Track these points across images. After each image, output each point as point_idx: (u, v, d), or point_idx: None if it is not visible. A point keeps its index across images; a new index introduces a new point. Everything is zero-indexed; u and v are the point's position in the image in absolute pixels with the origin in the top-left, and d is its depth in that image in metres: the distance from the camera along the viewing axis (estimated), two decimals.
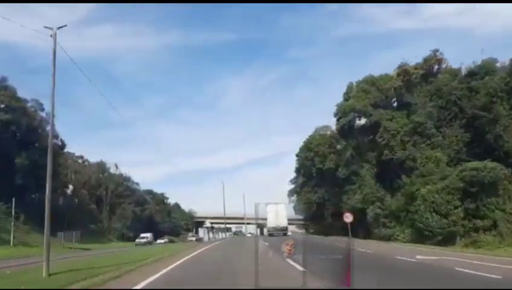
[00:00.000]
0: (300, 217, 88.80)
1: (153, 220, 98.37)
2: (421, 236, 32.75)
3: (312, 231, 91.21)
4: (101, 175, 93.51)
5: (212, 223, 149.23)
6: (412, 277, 13.45)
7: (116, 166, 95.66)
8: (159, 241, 72.16)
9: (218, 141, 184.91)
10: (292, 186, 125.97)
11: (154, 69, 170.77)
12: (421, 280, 12.62)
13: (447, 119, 40.77)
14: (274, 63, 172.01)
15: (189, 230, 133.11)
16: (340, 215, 58.39)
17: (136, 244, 65.38)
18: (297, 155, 67.36)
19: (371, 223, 45.99)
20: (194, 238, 72.51)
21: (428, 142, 39.92)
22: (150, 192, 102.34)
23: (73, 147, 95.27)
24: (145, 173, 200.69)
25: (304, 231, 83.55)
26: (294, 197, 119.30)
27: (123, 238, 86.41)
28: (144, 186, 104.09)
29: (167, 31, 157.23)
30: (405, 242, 34.73)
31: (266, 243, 21.81)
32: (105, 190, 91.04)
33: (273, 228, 51.97)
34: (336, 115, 51.62)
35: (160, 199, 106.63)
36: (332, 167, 57.49)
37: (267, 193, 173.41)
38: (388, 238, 38.04)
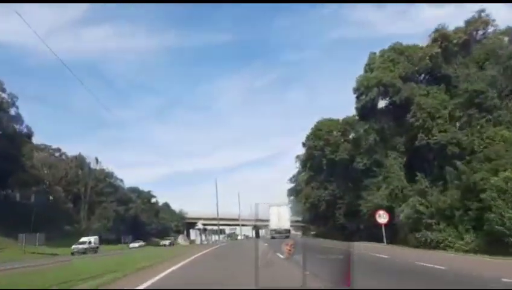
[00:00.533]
0: (298, 218, 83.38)
1: (138, 220, 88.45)
2: (492, 243, 23.11)
3: (314, 233, 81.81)
4: (80, 171, 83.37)
5: (204, 224, 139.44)
6: None
7: (97, 160, 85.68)
8: (132, 245, 61.64)
9: (213, 143, 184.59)
10: (291, 185, 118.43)
11: (148, 69, 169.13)
12: None
13: (506, 91, 31.47)
14: (269, 65, 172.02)
15: (179, 232, 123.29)
16: (355, 214, 49.67)
17: (73, 253, 51.01)
18: (304, 144, 57.85)
19: (401, 225, 36.52)
20: (167, 242, 60.97)
21: (489, 117, 30.53)
22: (135, 190, 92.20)
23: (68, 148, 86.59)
24: (137, 174, 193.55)
25: (300, 233, 76.58)
26: (292, 197, 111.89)
27: (103, 241, 76.58)
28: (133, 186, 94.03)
29: (162, 32, 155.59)
30: (466, 251, 25.07)
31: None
32: (83, 186, 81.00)
33: (275, 230, 49.20)
34: (355, 91, 42.05)
35: (147, 198, 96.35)
36: (346, 157, 48.18)
37: (264, 194, 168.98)
38: (436, 245, 28.36)
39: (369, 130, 41.51)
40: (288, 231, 51.07)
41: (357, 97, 42.30)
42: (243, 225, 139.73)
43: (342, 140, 49.86)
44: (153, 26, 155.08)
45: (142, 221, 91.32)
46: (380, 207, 39.23)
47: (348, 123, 50.51)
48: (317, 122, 54.28)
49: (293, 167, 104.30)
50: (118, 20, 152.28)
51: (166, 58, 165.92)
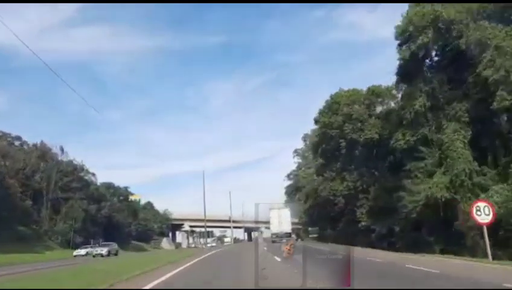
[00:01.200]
0: (295, 219, 77.28)
1: (112, 221, 75.47)
2: None
3: (315, 235, 70.87)
4: (43, 163, 70.40)
5: (192, 226, 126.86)
6: None
7: (62, 150, 72.65)
8: (97, 251, 48.73)
9: (203, 145, 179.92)
10: (289, 182, 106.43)
11: (139, 70, 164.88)
12: None
13: None
14: (260, 68, 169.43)
15: (163, 234, 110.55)
16: (386, 213, 37.57)
17: None
18: (316, 121, 45.37)
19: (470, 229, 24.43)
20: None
21: None
22: (110, 186, 78.97)
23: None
24: (126, 176, 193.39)
25: (294, 236, 64.33)
26: (292, 196, 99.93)
27: (69, 244, 63.86)
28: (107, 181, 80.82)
29: (153, 33, 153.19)
30: None
31: None
32: (46, 181, 68.03)
33: (276, 234, 48.10)
34: (397, 36, 29.84)
35: (124, 195, 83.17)
36: (375, 137, 36.26)
37: (256, 196, 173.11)
38: None
39: (413, 93, 29.35)
40: (289, 234, 49.43)
41: (400, 45, 30.11)
42: (234, 227, 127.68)
43: (368, 114, 37.87)
44: (144, 26, 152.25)
45: (118, 222, 78.31)
46: (434, 201, 27.26)
47: (375, 93, 38.49)
48: (333, 94, 41.88)
49: (289, 167, 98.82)
50: (108, 21, 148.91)
51: (157, 59, 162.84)
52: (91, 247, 52.53)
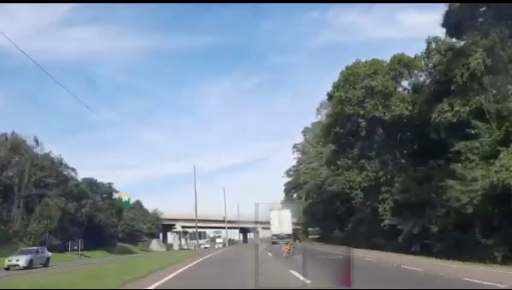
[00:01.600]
0: (294, 219, 66.70)
1: (95, 221, 67.96)
2: None
3: (315, 237, 64.23)
4: (15, 156, 62.74)
5: (184, 226, 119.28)
6: None
7: (37, 141, 65.07)
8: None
9: (198, 145, 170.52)
10: (289, 179, 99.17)
11: (133, 71, 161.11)
12: None
13: None
14: (254, 69, 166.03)
15: (153, 235, 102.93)
16: (417, 210, 30.46)
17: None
18: (330, 97, 38.12)
19: None
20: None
21: None
22: (91, 182, 70.94)
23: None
24: (119, 176, 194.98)
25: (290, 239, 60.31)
26: (291, 194, 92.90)
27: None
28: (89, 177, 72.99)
29: (147, 34, 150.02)
30: None
31: None
32: (18, 176, 60.43)
33: (277, 235, 48.25)
34: None
35: (107, 192, 75.34)
36: (405, 113, 29.22)
37: (253, 196, 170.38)
38: None
39: (468, 50, 22.25)
40: (290, 235, 48.19)
41: None
42: (229, 228, 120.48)
43: (394, 87, 30.84)
44: (138, 27, 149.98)
45: (102, 222, 70.71)
46: (501, 189, 20.16)
47: (402, 62, 31.33)
48: (350, 65, 34.52)
49: (284, 167, 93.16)
50: (102, 21, 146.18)
51: (151, 60, 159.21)
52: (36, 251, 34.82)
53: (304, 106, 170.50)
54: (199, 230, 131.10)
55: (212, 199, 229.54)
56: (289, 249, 21.04)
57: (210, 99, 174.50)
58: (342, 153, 37.58)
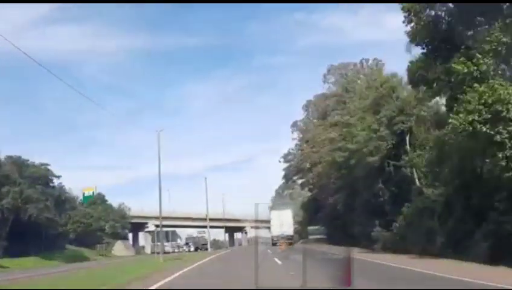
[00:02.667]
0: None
1: (23, 218, 48.94)
2: None
3: (318, 237, 58.26)
4: None
5: (158, 225, 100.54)
6: None
7: None
8: None
9: (183, 147, 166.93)
10: (286, 164, 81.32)
11: (118, 71, 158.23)
12: None
13: None
14: (240, 70, 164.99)
15: (118, 236, 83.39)
16: None
17: None
18: None
19: None
20: None
21: None
22: (17, 162, 50.84)
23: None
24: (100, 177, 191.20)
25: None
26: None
27: None
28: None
29: (132, 35, 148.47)
30: None
31: None
32: None
33: (277, 236, 47.04)
34: None
35: (41, 176, 55.12)
36: None
37: (239, 195, 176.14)
38: None
39: None
40: (291, 237, 48.83)
41: None
42: (212, 227, 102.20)
43: None
44: (123, 27, 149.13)
45: (38, 218, 51.46)
46: None
47: None
48: None
49: (269, 170, 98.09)
50: (87, 20, 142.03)
51: (136, 60, 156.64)
52: None
53: (290, 107, 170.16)
54: (178, 229, 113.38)
55: (198, 199, 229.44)
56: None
57: (196, 100, 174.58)
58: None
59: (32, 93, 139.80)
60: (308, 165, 57.11)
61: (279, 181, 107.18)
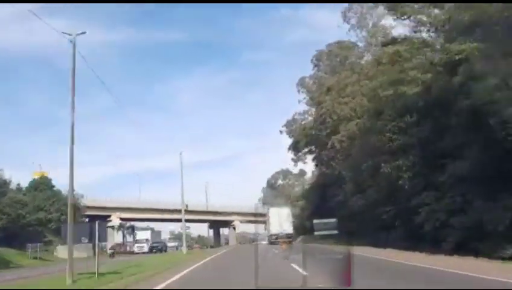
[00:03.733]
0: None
1: None
2: None
3: (325, 233, 47.26)
4: None
5: (124, 219, 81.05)
6: None
7: None
8: None
9: (166, 143, 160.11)
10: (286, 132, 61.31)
11: (103, 66, 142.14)
12: None
13: None
14: (226, 65, 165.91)
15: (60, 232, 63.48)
16: None
17: None
18: None
19: None
20: None
21: None
22: None
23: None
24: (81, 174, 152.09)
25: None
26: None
27: None
28: None
29: (116, 28, 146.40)
30: None
31: None
32: None
33: (276, 235, 46.46)
34: None
35: None
36: None
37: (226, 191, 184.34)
38: None
39: None
40: (290, 235, 47.45)
41: None
42: (193, 221, 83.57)
43: None
44: (108, 21, 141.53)
45: None
46: None
47: None
48: None
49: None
50: (71, 14, 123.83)
51: (122, 55, 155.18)
52: None
53: (277, 103, 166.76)
54: (150, 223, 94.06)
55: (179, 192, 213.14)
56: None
57: (182, 95, 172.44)
58: None
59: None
60: (331, 121, 38.42)
61: (268, 174, 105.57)
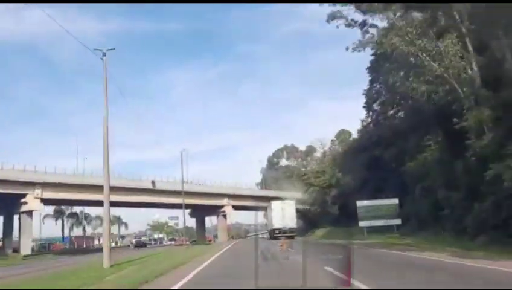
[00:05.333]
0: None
1: None
2: None
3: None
4: None
5: (49, 200, 52.77)
6: None
7: None
8: None
9: (160, 135, 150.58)
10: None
11: (93, 56, 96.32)
12: None
13: None
14: (221, 57, 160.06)
15: None
16: None
17: None
18: None
19: None
20: None
21: None
22: None
23: None
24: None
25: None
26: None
27: None
28: None
29: (109, 18, 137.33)
30: None
31: None
32: None
33: (279, 230, 44.34)
34: None
35: None
36: None
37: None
38: None
39: None
40: (293, 230, 44.74)
41: None
42: (157, 205, 57.71)
43: None
44: (99, 10, 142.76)
45: None
46: None
47: None
48: None
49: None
50: (59, 3, 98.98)
51: (114, 45, 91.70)
52: None
53: (272, 96, 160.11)
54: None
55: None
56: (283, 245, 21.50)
57: (176, 87, 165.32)
58: None
59: None
60: None
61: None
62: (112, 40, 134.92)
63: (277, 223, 45.12)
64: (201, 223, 76.51)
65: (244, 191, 69.52)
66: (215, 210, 68.84)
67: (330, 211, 59.49)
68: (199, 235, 73.68)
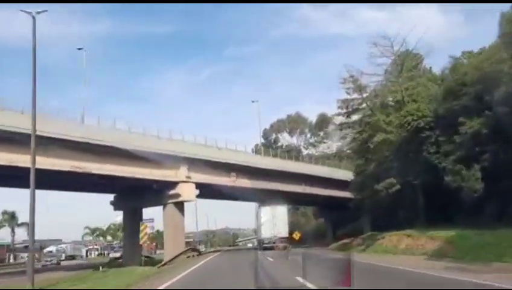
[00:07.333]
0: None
1: None
2: None
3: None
4: None
5: None
6: None
7: None
8: None
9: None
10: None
11: (84, 58, 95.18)
12: None
13: None
14: (212, 58, 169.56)
15: None
16: None
17: None
18: None
19: None
20: None
21: None
22: None
23: None
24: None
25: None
26: None
27: None
28: None
29: (99, 20, 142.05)
30: None
31: None
32: None
33: (269, 239, 41.01)
34: None
35: None
36: None
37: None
38: None
39: None
40: (286, 239, 40.17)
41: None
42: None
43: None
44: (90, 13, 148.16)
45: None
46: None
47: None
48: None
49: None
50: (52, 4, 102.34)
51: (105, 48, 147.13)
52: None
53: (263, 97, 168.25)
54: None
55: None
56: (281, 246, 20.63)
57: (169, 88, 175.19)
58: None
59: None
60: None
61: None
62: (104, 42, 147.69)
63: (267, 232, 41.46)
64: (131, 217, 39.66)
65: (220, 156, 38.65)
66: (162, 191, 36.17)
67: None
68: (128, 245, 40.33)
